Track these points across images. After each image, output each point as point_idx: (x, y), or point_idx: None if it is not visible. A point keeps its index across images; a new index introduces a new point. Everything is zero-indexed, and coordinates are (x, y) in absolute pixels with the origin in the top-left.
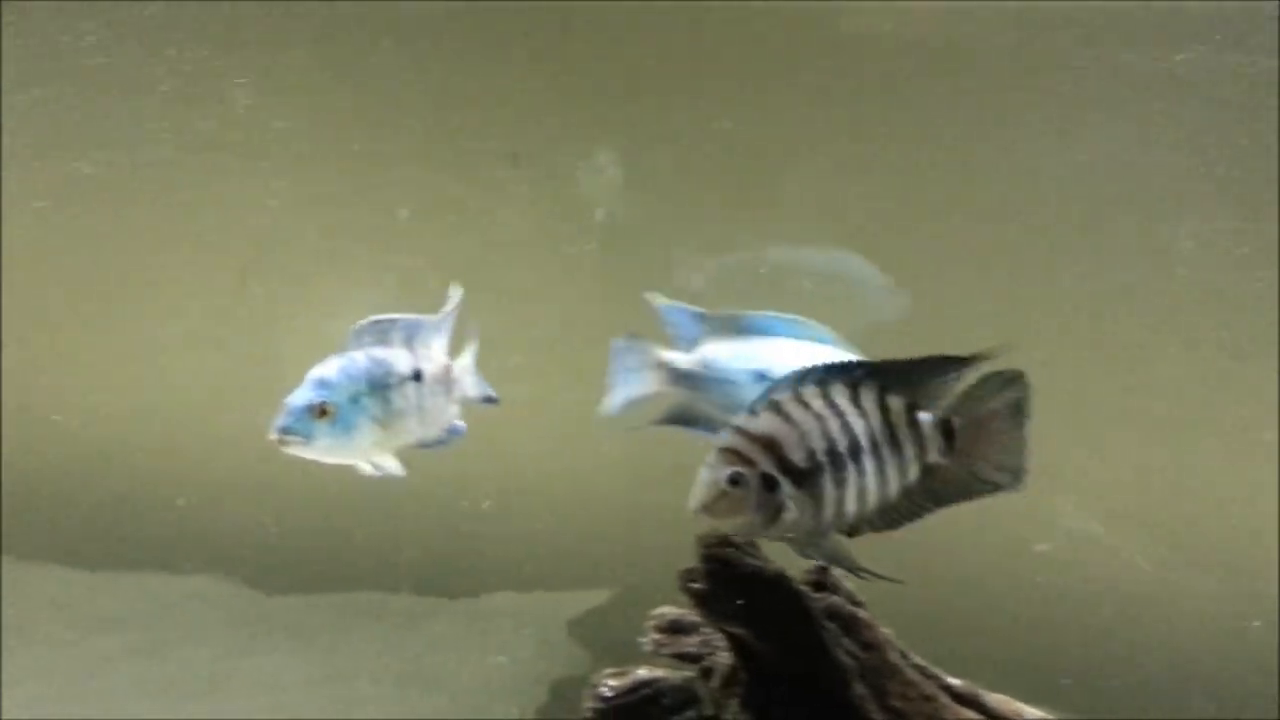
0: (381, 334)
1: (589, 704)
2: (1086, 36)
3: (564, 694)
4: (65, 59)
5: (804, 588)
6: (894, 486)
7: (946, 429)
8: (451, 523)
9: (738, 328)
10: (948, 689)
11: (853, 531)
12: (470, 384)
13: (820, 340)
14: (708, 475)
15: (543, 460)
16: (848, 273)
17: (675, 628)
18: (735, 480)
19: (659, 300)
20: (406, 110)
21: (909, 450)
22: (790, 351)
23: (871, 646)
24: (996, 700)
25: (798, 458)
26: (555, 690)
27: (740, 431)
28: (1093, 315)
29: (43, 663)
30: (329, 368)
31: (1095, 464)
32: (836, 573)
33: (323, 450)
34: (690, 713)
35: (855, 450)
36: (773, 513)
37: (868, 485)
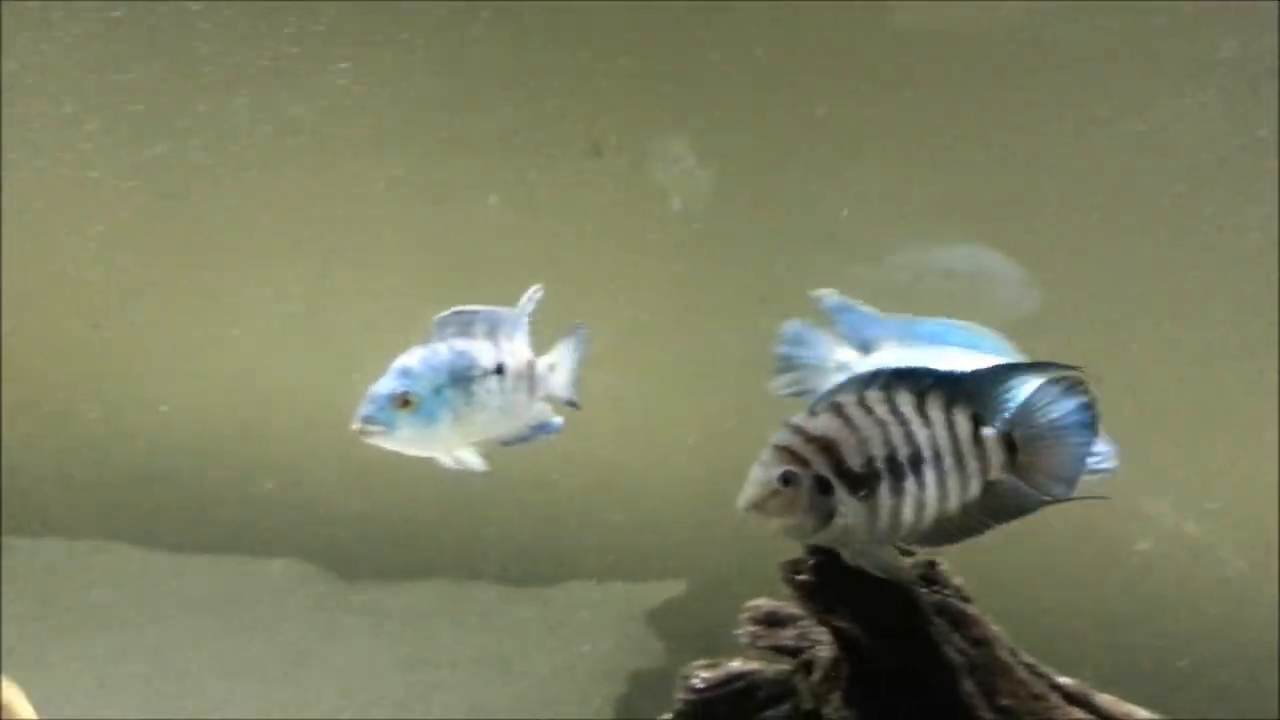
0: (464, 325)
1: (680, 695)
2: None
3: (643, 685)
4: (161, 41)
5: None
6: (954, 501)
7: (1009, 443)
8: (531, 513)
9: (912, 334)
10: (1058, 688)
11: (905, 543)
12: (558, 383)
13: (993, 348)
14: (760, 473)
15: (621, 450)
16: (982, 268)
17: (772, 620)
18: (788, 479)
19: (831, 297)
20: (494, 99)
21: (971, 464)
22: (966, 363)
23: (981, 643)
24: (1107, 701)
25: (855, 462)
26: (634, 681)
27: (797, 430)
28: (1189, 312)
29: (130, 643)
30: (412, 358)
31: (1192, 463)
32: (945, 568)
33: (403, 441)
34: (786, 706)
35: (916, 460)
36: (824, 517)
37: (927, 497)
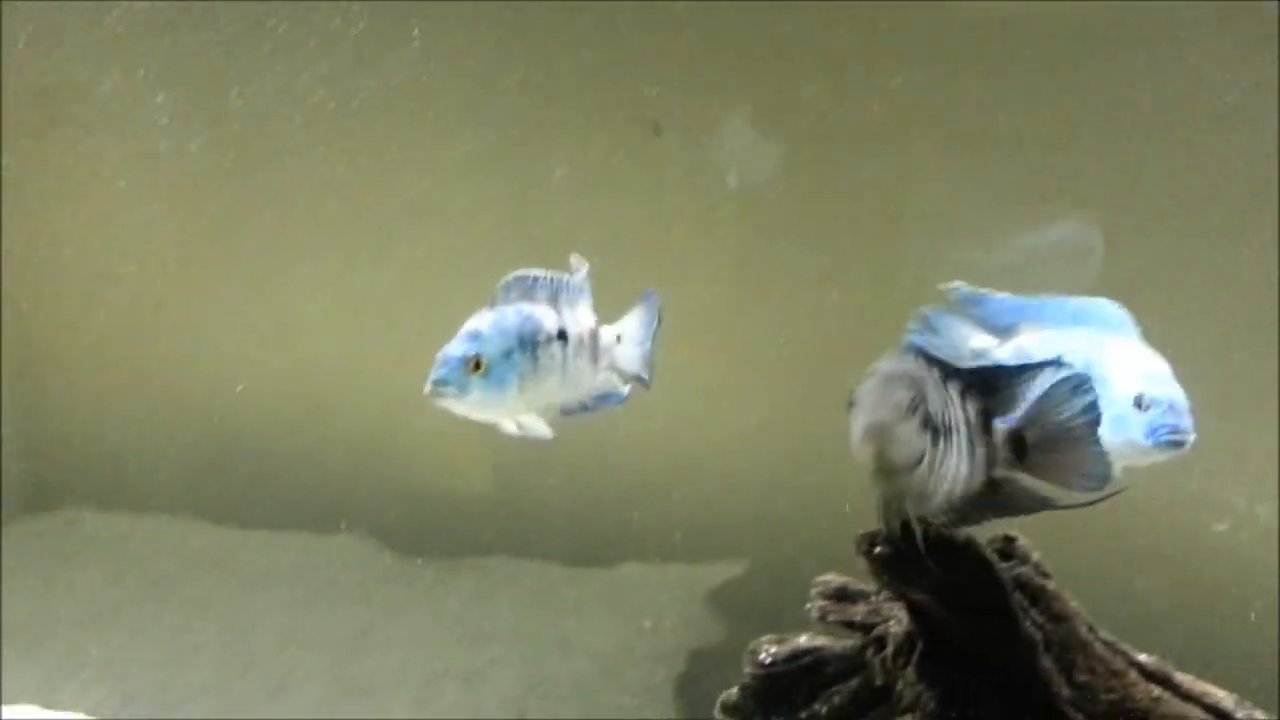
0: (527, 290)
1: (748, 669)
2: None
3: (704, 663)
4: (228, 14)
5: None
6: (959, 486)
7: (1018, 442)
8: (591, 493)
9: (1045, 315)
10: (1136, 665)
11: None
12: (625, 356)
13: (1118, 325)
14: (884, 396)
15: (683, 430)
16: (1078, 241)
17: (842, 595)
18: (914, 407)
19: (961, 289)
20: (557, 77)
21: (978, 454)
22: (1103, 348)
23: (1059, 618)
24: (1186, 679)
25: (935, 410)
26: (695, 659)
27: (904, 366)
28: (1266, 292)
29: (198, 615)
30: (481, 321)
31: (1264, 445)
32: (1023, 543)
33: (474, 405)
34: (854, 682)
35: (950, 432)
36: (919, 456)
37: (956, 472)
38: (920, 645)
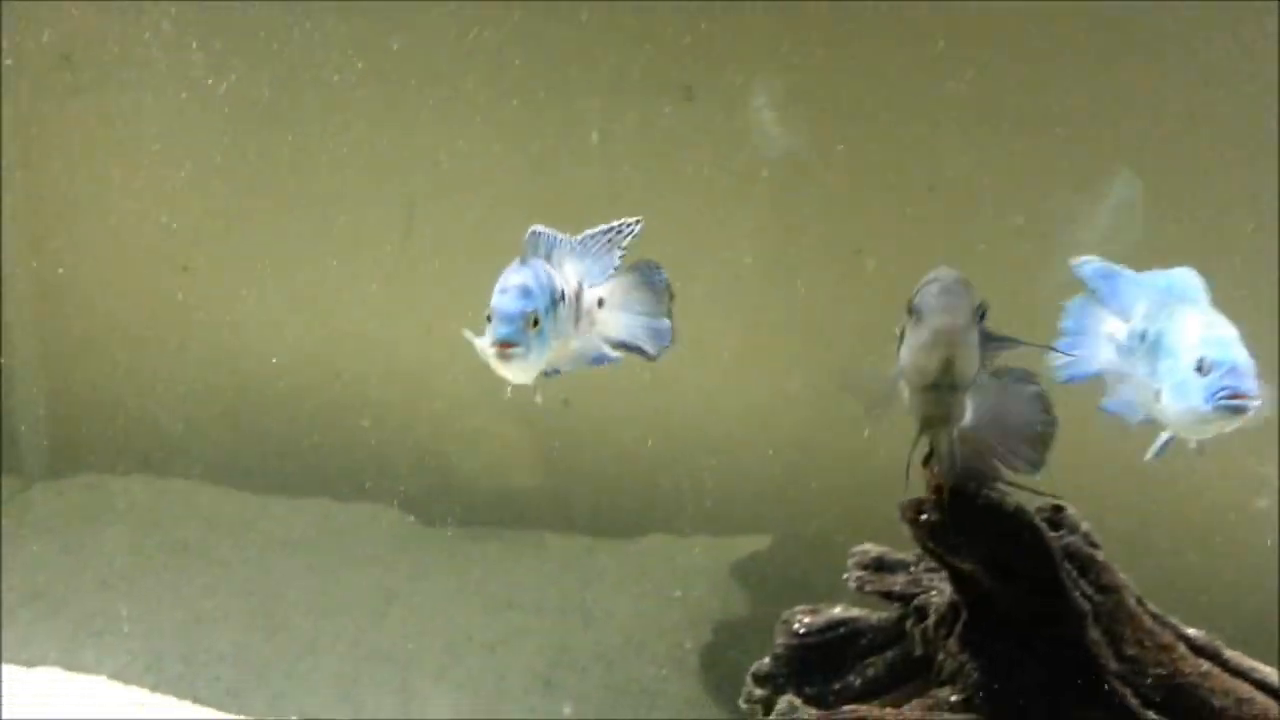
0: (538, 246)
1: (781, 639)
2: None
3: (729, 633)
4: None
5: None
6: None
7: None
8: (617, 463)
9: (1169, 290)
10: (1185, 639)
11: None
12: (611, 323)
13: (1193, 293)
14: (954, 300)
15: (712, 401)
16: (1120, 197)
17: (880, 565)
18: (980, 314)
19: (1091, 263)
20: (588, 42)
21: None
22: (1172, 316)
23: (1109, 590)
24: (1234, 655)
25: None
26: (720, 629)
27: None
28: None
29: (222, 580)
30: (524, 276)
31: None
32: (1072, 512)
33: (530, 364)
34: (890, 654)
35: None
36: (977, 370)
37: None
38: (964, 616)
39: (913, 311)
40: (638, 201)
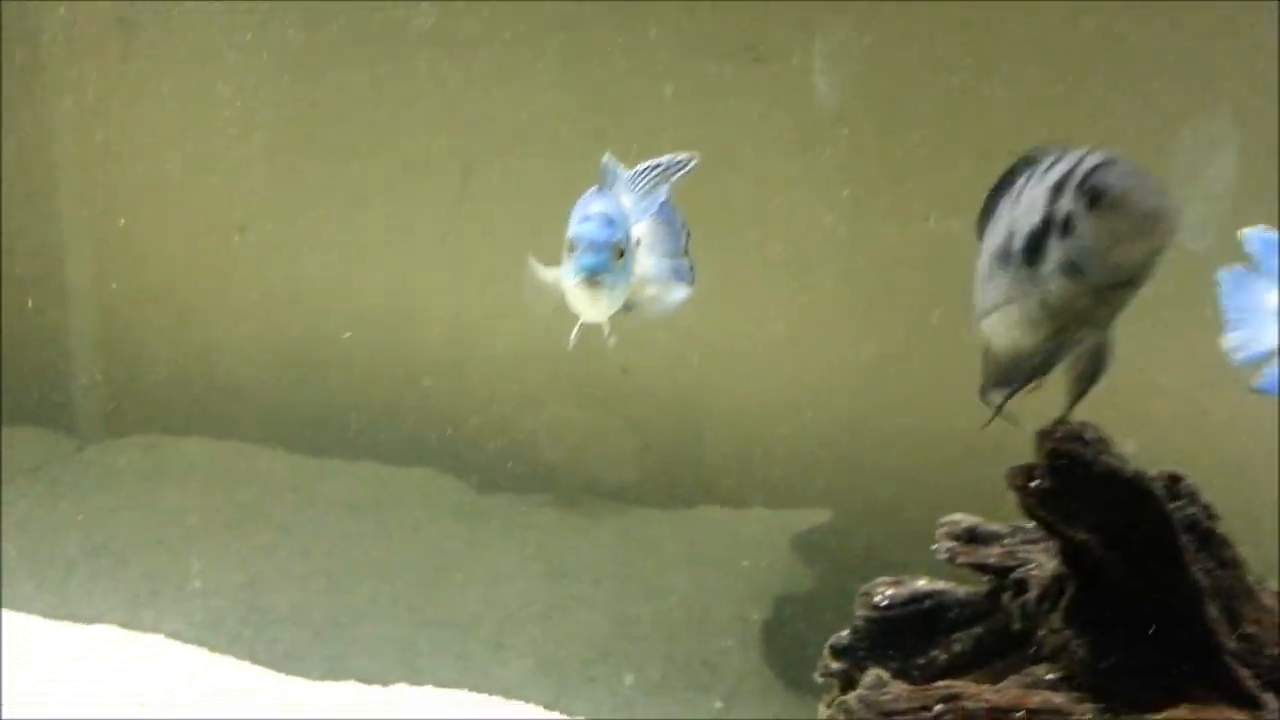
0: (612, 179)
1: (861, 612)
2: None
3: (790, 608)
4: None
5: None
6: None
7: None
8: (675, 432)
9: None
10: None
11: None
12: (641, 263)
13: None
14: (1148, 179)
15: (767, 372)
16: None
17: (972, 536)
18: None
19: (1262, 234)
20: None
21: None
22: None
23: (1228, 565)
24: None
25: None
26: (781, 603)
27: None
28: None
29: (279, 542)
30: (605, 204)
31: None
32: (1191, 481)
33: (615, 298)
34: (978, 629)
35: None
36: None
37: None
38: (1071, 589)
39: (1092, 195)
40: (704, 164)
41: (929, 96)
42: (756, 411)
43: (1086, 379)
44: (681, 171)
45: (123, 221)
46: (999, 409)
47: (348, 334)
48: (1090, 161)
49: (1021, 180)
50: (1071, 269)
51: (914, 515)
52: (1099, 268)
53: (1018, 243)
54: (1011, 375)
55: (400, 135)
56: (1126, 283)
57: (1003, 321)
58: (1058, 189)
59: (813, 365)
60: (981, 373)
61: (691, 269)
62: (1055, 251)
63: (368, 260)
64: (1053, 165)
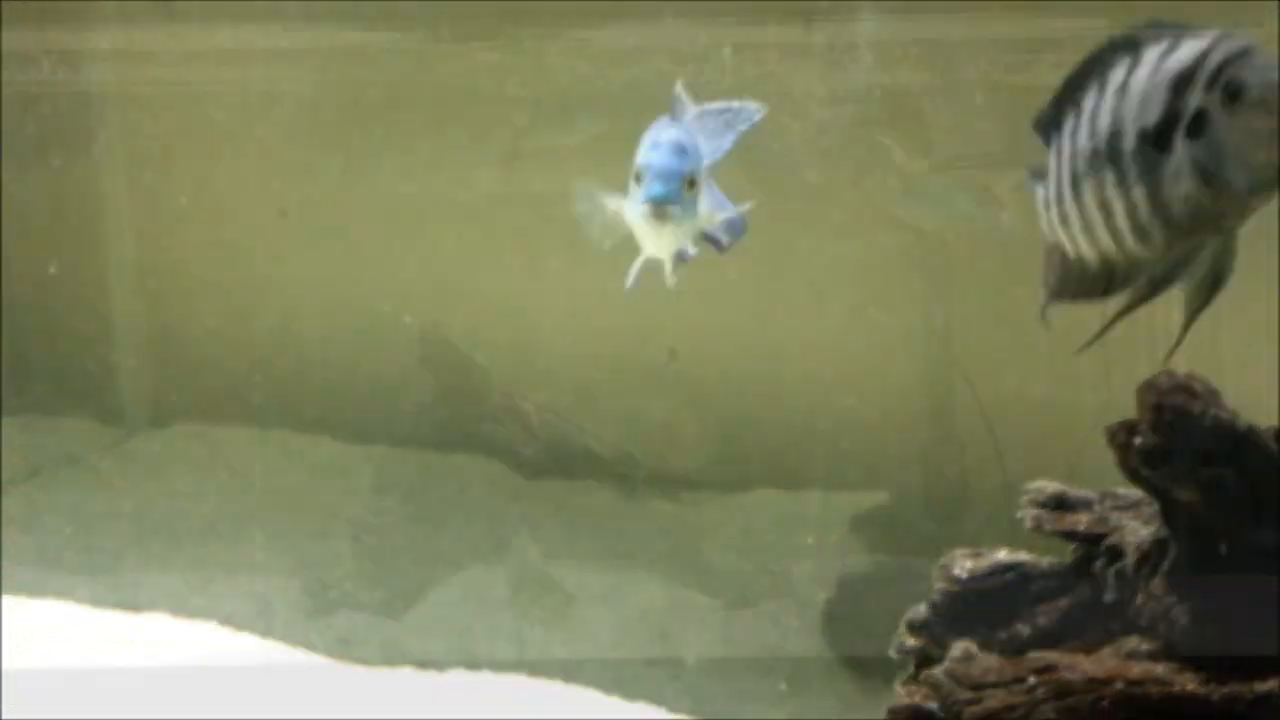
0: (684, 112)
1: (939, 585)
2: None
3: (850, 588)
4: None
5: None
6: None
7: None
8: (728, 414)
9: None
10: None
11: None
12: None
13: None
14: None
15: (820, 353)
16: None
17: (1059, 503)
18: None
19: None
20: None
21: None
22: None
23: None
24: None
25: None
26: (841, 584)
27: None
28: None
29: (326, 526)
30: (677, 132)
31: None
32: None
33: (684, 231)
34: (1064, 601)
35: None
36: None
37: None
38: (1172, 554)
39: (1230, 90)
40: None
41: (986, 69)
42: (809, 392)
43: (1209, 287)
44: (750, 123)
45: (184, 200)
46: (1106, 328)
47: (409, 318)
48: (1222, 51)
49: (1120, 69)
50: (1204, 172)
51: (976, 494)
52: (1238, 171)
53: (1129, 142)
54: (1094, 287)
55: (444, 114)
56: (1265, 186)
57: (1102, 229)
58: (1183, 81)
59: (866, 345)
60: (1047, 283)
61: (744, 222)
62: (1183, 152)
63: (413, 246)
64: (1168, 52)
